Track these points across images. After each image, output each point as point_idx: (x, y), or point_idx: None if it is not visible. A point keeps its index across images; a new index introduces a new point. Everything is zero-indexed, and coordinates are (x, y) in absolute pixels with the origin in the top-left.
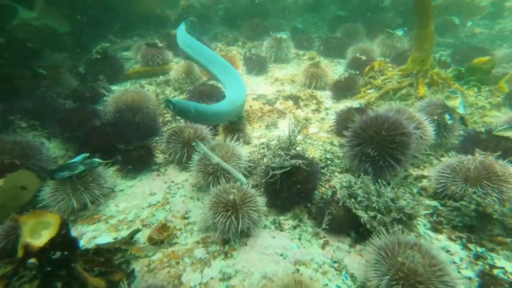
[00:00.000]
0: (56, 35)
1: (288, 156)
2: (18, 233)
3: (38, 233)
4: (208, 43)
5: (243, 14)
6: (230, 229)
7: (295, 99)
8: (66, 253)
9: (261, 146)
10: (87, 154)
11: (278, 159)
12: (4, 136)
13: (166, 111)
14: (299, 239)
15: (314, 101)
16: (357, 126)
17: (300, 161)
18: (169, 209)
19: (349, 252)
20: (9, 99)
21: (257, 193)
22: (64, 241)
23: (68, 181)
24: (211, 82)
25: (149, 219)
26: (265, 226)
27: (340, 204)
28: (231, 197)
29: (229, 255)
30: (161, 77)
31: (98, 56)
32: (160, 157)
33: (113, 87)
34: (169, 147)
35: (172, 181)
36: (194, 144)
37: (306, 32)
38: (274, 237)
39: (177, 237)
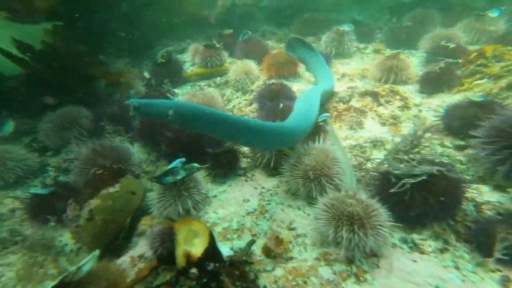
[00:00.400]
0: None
1: (414, 161)
2: (172, 239)
3: (190, 242)
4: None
5: (286, 10)
6: (356, 247)
7: (374, 95)
8: (216, 264)
9: (356, 149)
10: (184, 159)
11: (402, 165)
12: (103, 142)
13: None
14: (457, 268)
15: (397, 97)
16: (502, 124)
17: (439, 168)
18: (270, 218)
19: None
20: (91, 105)
21: (380, 205)
22: (213, 252)
23: (173, 186)
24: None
25: (254, 228)
26: (394, 245)
27: None
28: (352, 208)
29: (361, 278)
30: (218, 78)
31: (163, 60)
32: (243, 161)
33: (175, 90)
34: (256, 151)
35: (263, 187)
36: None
37: (365, 23)
38: (415, 261)
39: (290, 251)
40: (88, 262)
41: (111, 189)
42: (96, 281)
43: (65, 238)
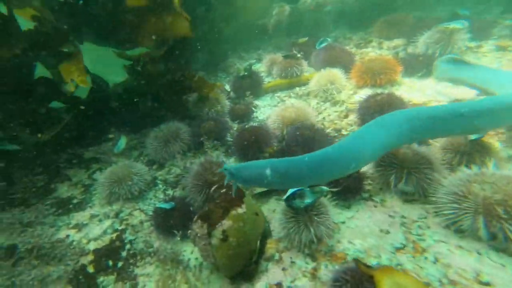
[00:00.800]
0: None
1: None
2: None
3: None
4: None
5: (356, 13)
6: None
7: None
8: None
9: None
10: None
11: None
12: (209, 158)
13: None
14: None
15: None
16: None
17: None
18: (436, 261)
19: None
20: (184, 121)
21: None
22: None
23: (303, 210)
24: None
25: (419, 272)
26: None
27: None
28: None
29: None
30: (297, 88)
31: (245, 73)
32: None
33: (256, 102)
34: (382, 170)
35: (403, 216)
36: None
37: (473, 18)
38: None
39: None
40: None
41: (239, 210)
42: None
43: (187, 252)
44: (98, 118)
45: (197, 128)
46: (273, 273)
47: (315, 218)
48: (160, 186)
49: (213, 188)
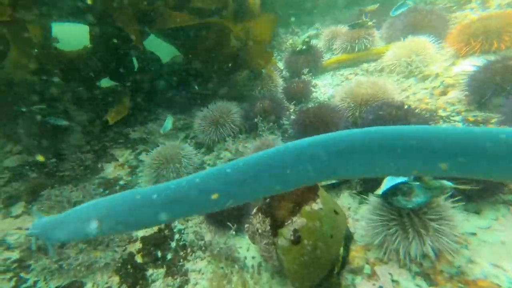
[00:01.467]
0: None
1: None
2: None
3: None
4: None
5: None
6: None
7: None
8: None
9: None
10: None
11: None
12: (267, 141)
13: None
14: None
15: None
16: None
17: None
18: None
19: None
20: (232, 101)
21: None
22: None
23: (410, 212)
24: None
25: None
26: None
27: None
28: None
29: None
30: (365, 64)
31: (303, 47)
32: None
33: (315, 81)
34: None
35: None
36: None
37: None
38: None
39: None
40: None
41: (314, 206)
42: None
43: (243, 249)
44: (146, 98)
45: (250, 108)
46: None
47: (433, 224)
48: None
49: None
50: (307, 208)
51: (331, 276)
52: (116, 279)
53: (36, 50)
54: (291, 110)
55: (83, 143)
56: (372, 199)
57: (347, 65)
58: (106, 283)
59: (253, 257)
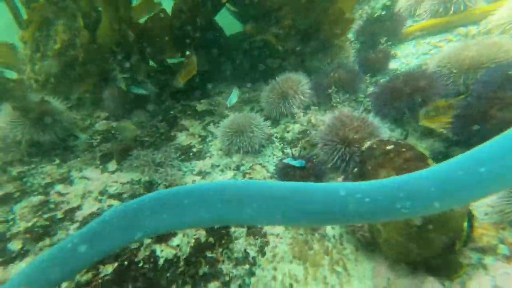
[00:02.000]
0: None
1: None
2: None
3: None
4: None
5: None
6: None
7: None
8: None
9: None
10: None
11: None
12: (346, 112)
13: None
14: None
15: None
16: None
17: None
18: None
19: None
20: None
21: None
22: None
23: None
24: None
25: None
26: None
27: None
28: None
29: None
30: (462, 28)
31: (383, 13)
32: None
33: (394, 51)
34: None
35: None
36: None
37: None
38: None
39: None
40: None
41: None
42: None
43: None
44: (213, 69)
45: (321, 79)
46: (501, 275)
47: None
48: (277, 143)
49: (368, 144)
50: None
51: (449, 251)
52: (203, 233)
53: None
54: (367, 82)
55: (158, 113)
56: None
57: (435, 32)
58: (195, 235)
59: (333, 228)
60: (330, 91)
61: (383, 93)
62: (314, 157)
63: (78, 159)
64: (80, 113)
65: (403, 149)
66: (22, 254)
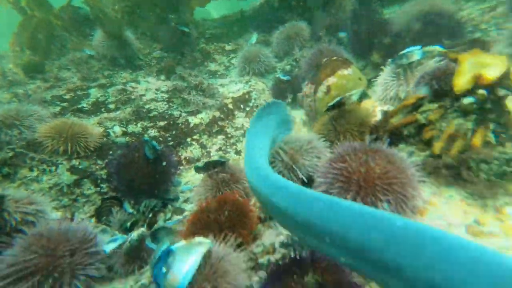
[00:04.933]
0: None
1: None
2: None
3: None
4: None
5: None
6: None
7: None
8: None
9: None
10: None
11: None
12: (325, 45)
13: None
14: None
15: None
16: None
17: None
18: None
19: None
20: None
21: None
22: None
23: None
24: None
25: None
26: None
27: None
28: None
29: None
30: None
31: None
32: None
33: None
34: None
35: None
36: None
37: None
38: None
39: None
40: (356, 93)
41: (345, 71)
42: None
43: (298, 118)
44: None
45: (317, 26)
46: None
47: None
48: (279, 72)
49: (324, 60)
50: (339, 72)
51: None
52: (217, 113)
53: None
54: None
55: (196, 46)
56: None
57: None
58: (213, 115)
59: (302, 118)
60: (320, 33)
61: (357, 34)
62: (297, 74)
63: (142, 71)
64: (142, 43)
65: (337, 60)
66: (114, 109)
